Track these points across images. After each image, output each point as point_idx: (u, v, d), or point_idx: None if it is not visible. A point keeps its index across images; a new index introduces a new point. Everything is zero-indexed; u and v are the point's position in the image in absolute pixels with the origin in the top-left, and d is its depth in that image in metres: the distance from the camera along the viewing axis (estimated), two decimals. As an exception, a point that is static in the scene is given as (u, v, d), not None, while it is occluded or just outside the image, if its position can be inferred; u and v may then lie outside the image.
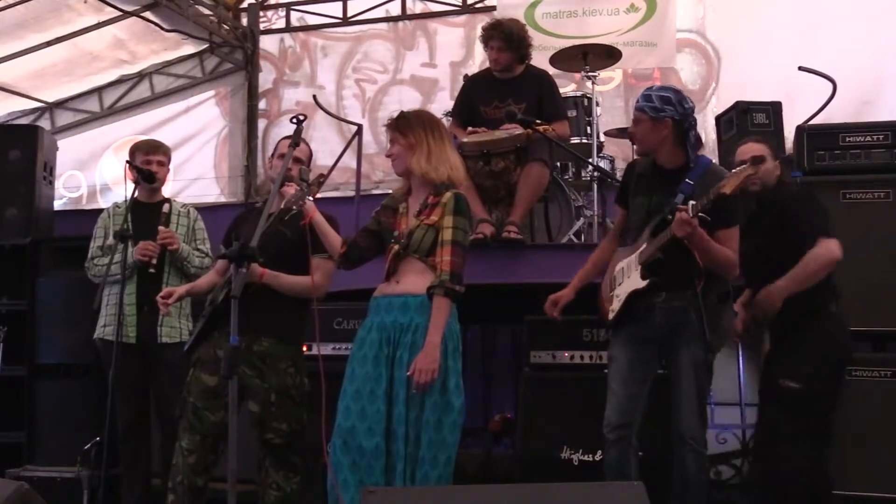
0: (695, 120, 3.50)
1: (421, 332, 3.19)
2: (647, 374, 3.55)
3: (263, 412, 3.53)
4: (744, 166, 3.24)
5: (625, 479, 3.43)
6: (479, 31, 5.19)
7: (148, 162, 4.46)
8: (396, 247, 3.32)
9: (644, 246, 3.48)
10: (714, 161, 3.63)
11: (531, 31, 5.11)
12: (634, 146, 5.95)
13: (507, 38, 4.83)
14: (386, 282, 3.35)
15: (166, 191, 4.88)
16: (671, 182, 3.46)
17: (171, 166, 4.67)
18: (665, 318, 3.45)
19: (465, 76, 5.52)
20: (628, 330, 3.56)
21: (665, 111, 3.43)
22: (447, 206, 3.28)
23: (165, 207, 4.37)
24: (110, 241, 4.33)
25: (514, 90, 4.87)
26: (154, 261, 4.20)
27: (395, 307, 3.27)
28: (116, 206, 4.55)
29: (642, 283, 3.44)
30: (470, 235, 3.43)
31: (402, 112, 3.52)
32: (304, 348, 3.80)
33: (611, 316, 3.60)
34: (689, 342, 3.41)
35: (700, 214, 3.22)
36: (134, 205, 4.42)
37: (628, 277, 3.53)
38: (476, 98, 4.96)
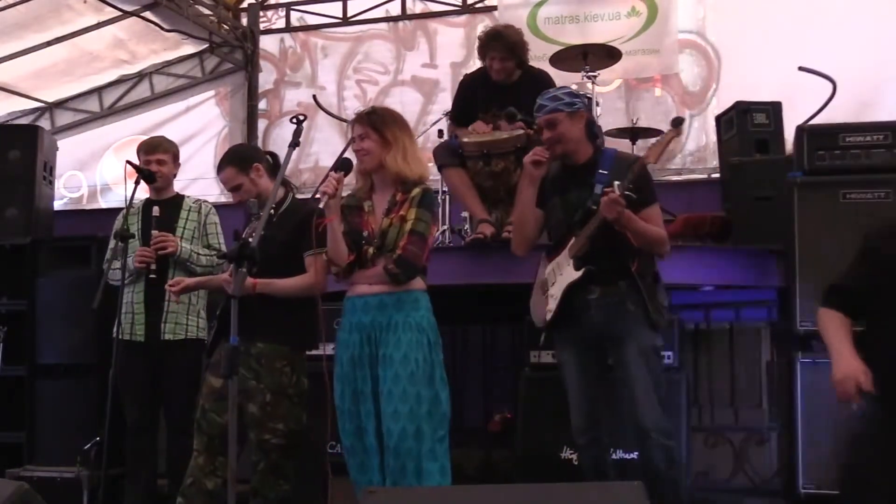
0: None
1: (401, 328, 3.26)
2: (599, 373, 3.53)
3: (260, 412, 3.52)
4: (667, 131, 3.29)
5: (605, 479, 3.44)
6: (479, 32, 5.13)
7: (147, 162, 4.43)
8: (371, 249, 3.33)
9: (572, 240, 3.46)
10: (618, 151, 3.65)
11: (533, 39, 5.04)
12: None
13: (508, 49, 4.75)
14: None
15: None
16: (583, 177, 3.48)
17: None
18: (601, 315, 3.42)
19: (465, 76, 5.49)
20: (569, 333, 3.52)
21: (576, 103, 3.50)
22: (414, 199, 3.34)
23: (155, 210, 4.28)
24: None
25: (513, 96, 4.77)
26: (153, 266, 4.19)
27: (372, 307, 3.31)
28: (130, 206, 4.50)
29: (577, 274, 3.41)
30: (431, 227, 3.43)
31: (373, 107, 3.56)
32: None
33: (548, 317, 3.53)
34: (633, 332, 3.38)
35: (626, 193, 3.24)
36: (146, 203, 4.42)
37: (561, 275, 3.50)
38: (474, 104, 4.93)
